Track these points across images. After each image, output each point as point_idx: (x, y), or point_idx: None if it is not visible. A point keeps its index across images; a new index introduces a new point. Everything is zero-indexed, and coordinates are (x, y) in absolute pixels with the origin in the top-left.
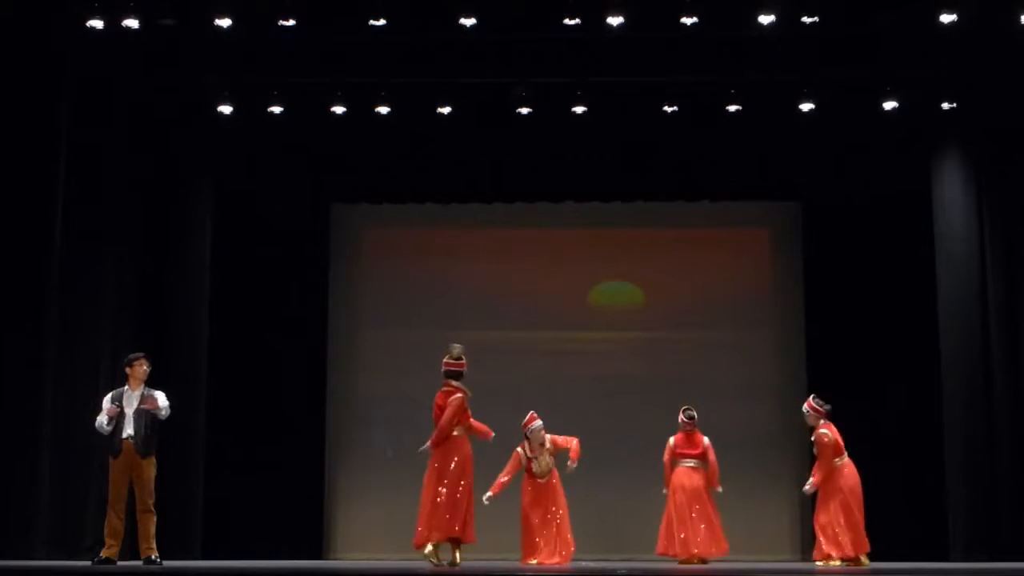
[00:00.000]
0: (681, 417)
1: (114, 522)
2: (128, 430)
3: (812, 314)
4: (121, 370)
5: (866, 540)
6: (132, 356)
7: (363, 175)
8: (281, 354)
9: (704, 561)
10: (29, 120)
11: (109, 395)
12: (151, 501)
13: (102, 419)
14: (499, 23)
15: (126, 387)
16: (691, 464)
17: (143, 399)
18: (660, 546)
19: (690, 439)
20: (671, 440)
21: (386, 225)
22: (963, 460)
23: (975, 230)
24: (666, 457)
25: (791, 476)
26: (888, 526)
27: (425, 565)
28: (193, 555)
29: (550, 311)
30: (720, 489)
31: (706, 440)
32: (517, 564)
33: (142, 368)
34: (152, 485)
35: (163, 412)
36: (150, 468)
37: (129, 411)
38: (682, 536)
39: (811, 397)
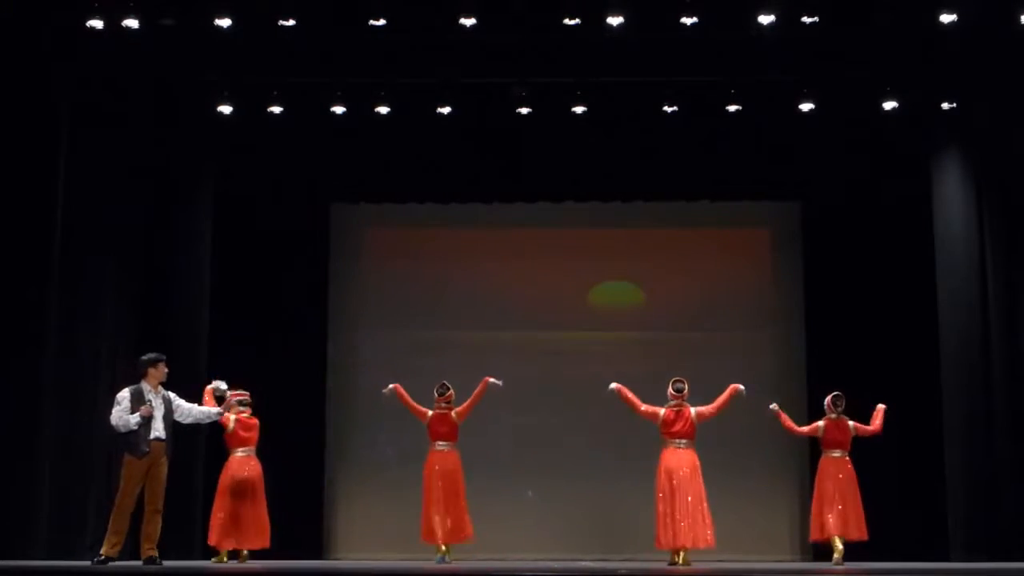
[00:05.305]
0: (670, 390)
1: (123, 520)
2: (158, 432)
3: (812, 314)
4: (121, 369)
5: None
6: (155, 357)
7: (363, 175)
8: (281, 354)
9: (680, 553)
10: (29, 119)
11: (128, 391)
12: (161, 502)
13: (129, 416)
14: (499, 23)
15: (145, 387)
16: (680, 444)
17: (164, 403)
18: (658, 540)
19: (679, 415)
20: (661, 412)
21: (386, 225)
22: (963, 460)
23: (975, 230)
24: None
25: (791, 476)
26: (888, 526)
27: (426, 565)
28: (193, 555)
29: (550, 311)
30: (742, 388)
31: (693, 411)
32: (517, 564)
33: (164, 370)
34: (165, 486)
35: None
36: (166, 469)
37: (157, 413)
38: (670, 527)
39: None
